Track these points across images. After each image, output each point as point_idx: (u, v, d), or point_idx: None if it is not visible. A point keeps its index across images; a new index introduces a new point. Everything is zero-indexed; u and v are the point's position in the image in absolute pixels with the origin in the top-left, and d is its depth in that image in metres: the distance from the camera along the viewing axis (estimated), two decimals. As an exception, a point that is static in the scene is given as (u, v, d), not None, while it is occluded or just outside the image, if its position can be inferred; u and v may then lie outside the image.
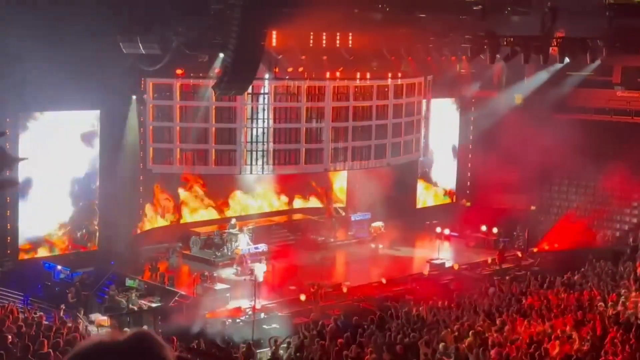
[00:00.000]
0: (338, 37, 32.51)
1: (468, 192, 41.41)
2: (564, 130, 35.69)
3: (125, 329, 19.11)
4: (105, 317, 25.04)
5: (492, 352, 16.74)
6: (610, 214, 37.88)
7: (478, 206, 38.27)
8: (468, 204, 40.76)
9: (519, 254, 34.12)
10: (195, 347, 18.16)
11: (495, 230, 35.36)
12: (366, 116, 34.51)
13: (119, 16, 26.63)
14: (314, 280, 27.57)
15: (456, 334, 18.84)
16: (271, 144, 32.38)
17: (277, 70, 32.09)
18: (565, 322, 20.15)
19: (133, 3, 26.63)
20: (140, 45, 27.56)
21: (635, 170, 35.98)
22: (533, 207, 39.36)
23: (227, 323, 24.31)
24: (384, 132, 35.07)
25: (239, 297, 26.93)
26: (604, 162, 36.92)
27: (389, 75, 35.21)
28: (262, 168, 32.59)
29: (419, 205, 40.23)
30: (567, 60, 34.08)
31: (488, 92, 40.20)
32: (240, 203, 36.68)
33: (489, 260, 32.74)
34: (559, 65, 35.78)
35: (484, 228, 35.77)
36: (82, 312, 24.96)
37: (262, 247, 31.73)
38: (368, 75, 34.80)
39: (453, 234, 36.42)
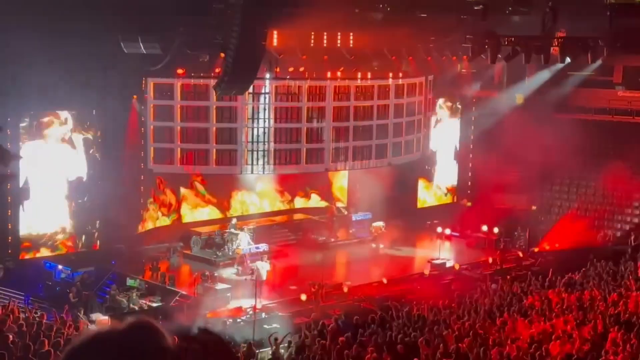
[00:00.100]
0: (339, 37, 32.53)
1: (469, 192, 41.41)
2: (564, 130, 35.67)
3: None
4: (106, 317, 25.01)
5: (493, 352, 16.74)
6: (611, 214, 37.85)
7: (479, 206, 38.24)
8: (469, 204, 40.75)
9: (520, 254, 34.10)
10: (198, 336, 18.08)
11: (496, 230, 35.33)
12: (367, 116, 34.53)
13: (120, 16, 26.63)
14: (315, 280, 27.56)
15: (457, 333, 18.85)
16: (272, 144, 32.40)
17: (278, 70, 32.10)
18: (566, 321, 20.15)
19: (134, 3, 26.62)
20: (141, 45, 27.57)
21: (636, 170, 35.98)
22: (534, 207, 39.34)
23: (227, 323, 24.31)
24: (384, 131, 35.09)
25: (239, 297, 26.93)
26: (604, 162, 36.92)
27: (390, 75, 35.23)
28: (263, 168, 32.62)
29: (420, 205, 40.23)
30: (568, 60, 34.06)
31: (489, 92, 40.20)
32: (241, 203, 36.67)
33: (490, 260, 32.72)
34: (560, 65, 35.76)
35: (484, 228, 35.74)
36: (82, 311, 24.96)
37: (263, 246, 31.72)
38: (369, 75, 34.82)
39: (454, 233, 36.40)
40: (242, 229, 32.69)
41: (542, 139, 35.76)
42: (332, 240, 35.47)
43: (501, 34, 32.15)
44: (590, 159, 38.25)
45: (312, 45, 32.06)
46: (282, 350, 19.05)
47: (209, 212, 35.76)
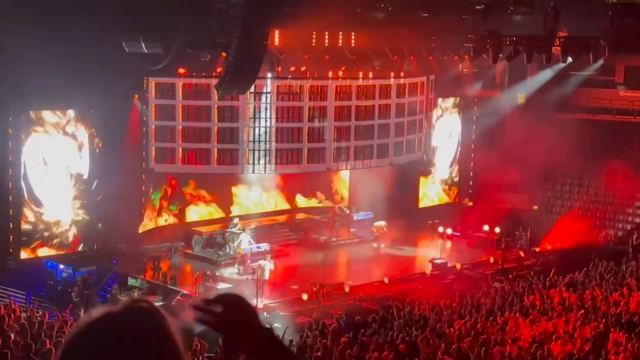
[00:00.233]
0: (340, 37, 32.53)
1: (470, 191, 41.39)
2: (566, 130, 35.67)
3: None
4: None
5: (494, 352, 16.74)
6: (612, 214, 37.85)
7: (480, 206, 38.23)
8: (470, 203, 40.73)
9: (521, 253, 34.09)
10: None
11: (497, 229, 35.31)
12: (369, 115, 34.52)
13: (122, 15, 26.63)
14: (316, 279, 27.57)
15: (458, 333, 18.85)
16: (273, 143, 32.40)
17: (279, 69, 32.12)
18: (567, 321, 20.15)
19: (136, 2, 26.63)
20: (142, 44, 27.58)
21: (638, 170, 35.98)
22: (535, 207, 39.34)
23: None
24: (386, 131, 35.08)
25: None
26: (606, 161, 36.92)
27: (392, 74, 35.21)
28: (265, 167, 32.63)
29: (421, 204, 40.22)
30: (569, 59, 34.04)
31: (490, 91, 40.20)
32: (242, 202, 36.66)
33: (491, 260, 32.72)
34: (561, 65, 35.74)
35: (486, 228, 35.71)
36: (83, 311, 24.95)
37: (264, 246, 31.72)
38: (370, 75, 34.82)
39: (455, 233, 36.39)
40: (243, 229, 32.70)
41: (543, 139, 35.74)
42: (334, 239, 35.47)
43: (503, 33, 32.12)
44: (591, 158, 38.24)
45: (313, 44, 32.06)
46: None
47: (209, 212, 35.76)
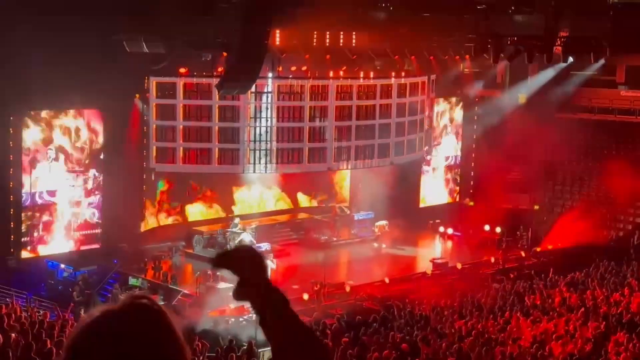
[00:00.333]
0: (341, 36, 32.48)
1: (471, 191, 41.38)
2: (567, 130, 35.65)
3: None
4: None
5: (495, 351, 16.74)
6: (613, 214, 37.83)
7: (481, 205, 38.22)
8: (471, 203, 40.73)
9: (522, 253, 34.08)
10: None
11: (498, 229, 35.32)
12: (369, 115, 34.50)
13: (123, 15, 26.62)
14: (317, 279, 27.57)
15: (459, 333, 18.85)
16: (274, 143, 32.39)
17: (280, 69, 32.12)
18: (568, 321, 20.15)
19: (137, 1, 26.62)
20: (144, 44, 27.56)
21: (639, 170, 35.92)
22: (536, 207, 39.33)
23: (230, 322, 24.31)
24: (387, 131, 35.06)
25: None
26: (607, 161, 36.89)
27: (393, 74, 35.20)
28: (265, 167, 32.62)
29: (422, 204, 40.21)
30: (570, 59, 34.02)
31: (491, 91, 40.18)
32: (243, 202, 36.66)
33: (492, 260, 32.70)
34: (562, 65, 35.73)
35: (487, 227, 35.72)
36: (83, 310, 24.95)
37: (265, 246, 31.72)
38: (371, 74, 34.81)
39: (456, 233, 36.38)
40: (244, 228, 32.70)
41: (544, 139, 35.74)
42: (334, 239, 35.48)
43: (504, 33, 32.10)
44: (592, 158, 38.24)
45: (314, 44, 32.02)
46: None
47: (210, 211, 35.76)
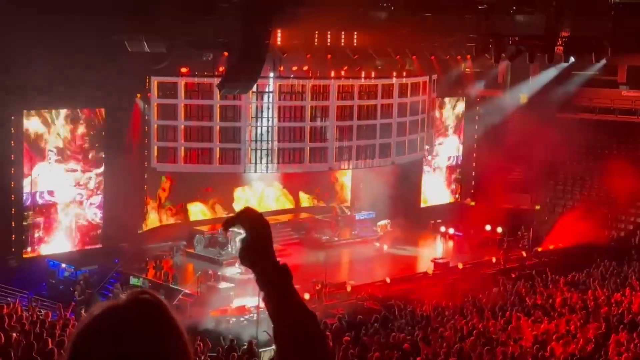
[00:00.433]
0: (343, 36, 32.47)
1: (472, 191, 41.38)
2: (568, 130, 35.64)
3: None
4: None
5: (497, 351, 16.72)
6: (615, 214, 37.81)
7: (482, 205, 38.22)
8: (472, 203, 40.72)
9: (524, 253, 34.07)
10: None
11: (499, 229, 35.31)
12: (371, 115, 34.50)
13: (124, 15, 26.62)
14: (318, 279, 27.56)
15: (460, 333, 18.84)
16: (276, 143, 32.39)
17: (281, 68, 32.11)
18: (569, 321, 20.14)
19: (138, 1, 26.62)
20: (145, 43, 27.56)
21: (640, 170, 35.90)
22: (537, 207, 39.32)
23: (231, 321, 24.32)
24: (388, 131, 35.05)
25: (243, 295, 26.91)
26: (608, 161, 36.88)
27: (394, 74, 35.20)
28: (267, 167, 32.62)
29: (423, 204, 40.21)
30: (572, 59, 34.02)
31: (493, 91, 40.17)
32: (244, 201, 36.67)
33: (493, 260, 32.70)
34: (564, 65, 35.72)
35: (488, 227, 35.71)
36: (84, 310, 24.96)
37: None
38: (373, 74, 34.82)
39: (457, 233, 36.37)
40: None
41: (545, 139, 35.72)
42: (336, 239, 35.48)
43: (505, 33, 32.10)
44: (594, 158, 38.23)
45: (316, 44, 32.02)
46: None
47: (211, 211, 35.77)
